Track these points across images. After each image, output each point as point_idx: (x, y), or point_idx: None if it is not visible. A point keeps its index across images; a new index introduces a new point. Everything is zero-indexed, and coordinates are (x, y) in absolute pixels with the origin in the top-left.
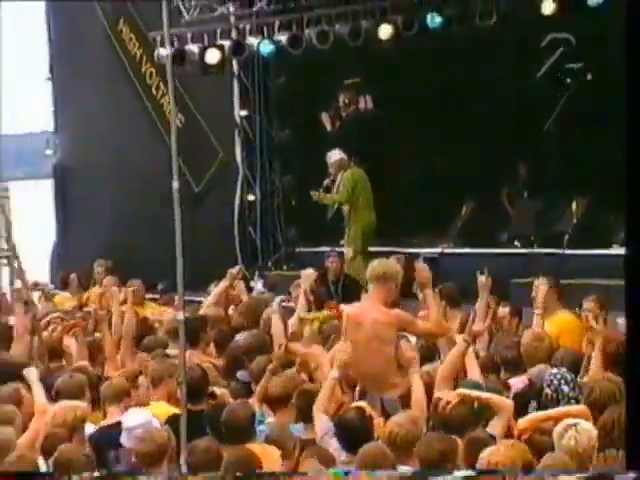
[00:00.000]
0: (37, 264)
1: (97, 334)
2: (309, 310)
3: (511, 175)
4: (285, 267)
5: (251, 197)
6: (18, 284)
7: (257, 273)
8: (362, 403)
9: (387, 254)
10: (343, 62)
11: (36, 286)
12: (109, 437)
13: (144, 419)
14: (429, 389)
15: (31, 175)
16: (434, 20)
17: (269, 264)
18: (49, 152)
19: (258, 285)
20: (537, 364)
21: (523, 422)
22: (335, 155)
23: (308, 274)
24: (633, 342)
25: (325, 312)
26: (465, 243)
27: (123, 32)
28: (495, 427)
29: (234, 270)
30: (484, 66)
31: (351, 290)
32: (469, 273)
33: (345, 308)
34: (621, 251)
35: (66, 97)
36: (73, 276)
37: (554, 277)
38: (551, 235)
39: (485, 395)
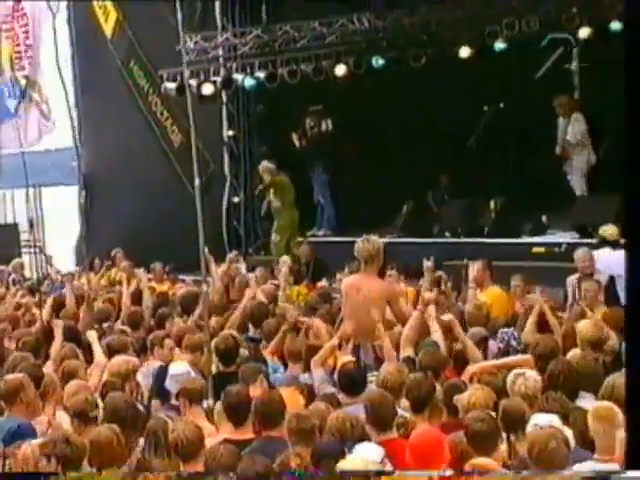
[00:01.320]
0: (61, 253)
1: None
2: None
3: (435, 183)
4: (263, 253)
5: (236, 199)
6: (50, 270)
7: (241, 258)
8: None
9: (345, 243)
10: (308, 94)
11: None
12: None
13: (184, 369)
14: (396, 348)
15: (59, 182)
16: (378, 62)
17: (250, 251)
18: (74, 163)
19: (242, 267)
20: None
21: (473, 369)
22: (265, 165)
23: (284, 259)
24: (632, 343)
25: (302, 287)
26: (406, 234)
27: (134, 70)
28: (465, 375)
29: (232, 255)
30: (419, 99)
31: (320, 270)
32: (409, 258)
33: (344, 280)
34: (528, 240)
35: (89, 119)
36: (97, 261)
37: (487, 260)
38: (474, 228)
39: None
